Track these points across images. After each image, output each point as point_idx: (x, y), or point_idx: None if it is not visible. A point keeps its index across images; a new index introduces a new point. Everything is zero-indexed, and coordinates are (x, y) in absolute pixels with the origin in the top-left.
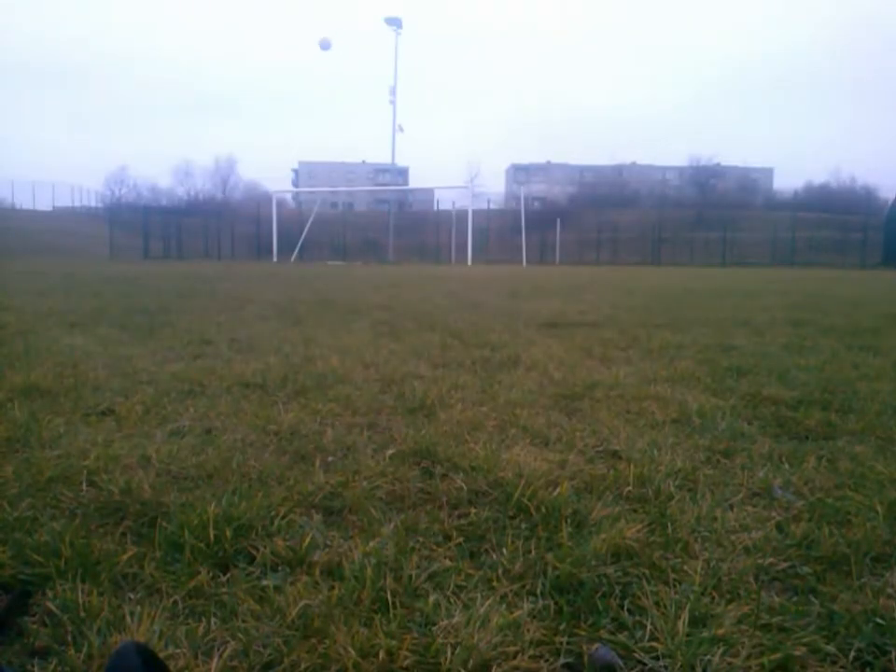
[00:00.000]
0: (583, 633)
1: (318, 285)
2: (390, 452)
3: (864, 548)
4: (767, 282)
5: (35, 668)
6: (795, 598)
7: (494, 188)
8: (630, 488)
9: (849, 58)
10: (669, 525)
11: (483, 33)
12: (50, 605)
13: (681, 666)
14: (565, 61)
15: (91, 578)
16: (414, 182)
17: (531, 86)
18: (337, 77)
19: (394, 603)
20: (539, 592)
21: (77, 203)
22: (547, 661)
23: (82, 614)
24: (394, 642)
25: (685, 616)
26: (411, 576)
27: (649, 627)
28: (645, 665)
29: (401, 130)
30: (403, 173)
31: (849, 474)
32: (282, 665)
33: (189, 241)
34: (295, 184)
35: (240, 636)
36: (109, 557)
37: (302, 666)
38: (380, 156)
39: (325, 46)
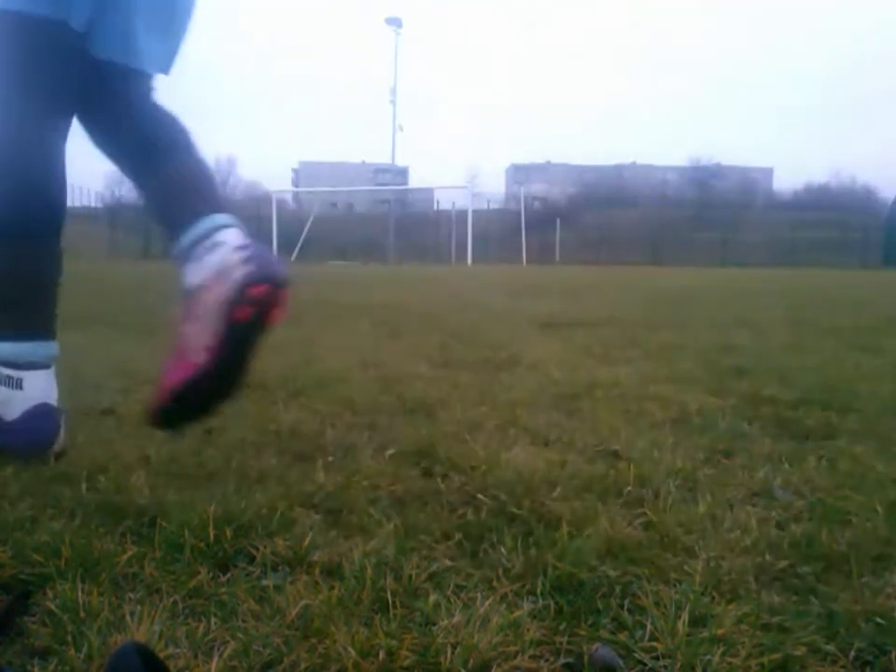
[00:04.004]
0: (583, 633)
1: (318, 284)
2: (390, 452)
3: (864, 548)
4: (767, 282)
5: (35, 668)
6: (795, 598)
7: (494, 188)
8: (630, 488)
9: (850, 57)
10: (669, 524)
11: (483, 33)
12: (50, 605)
13: (681, 666)
14: (565, 60)
15: (91, 578)
16: (414, 182)
17: (531, 86)
18: (337, 77)
19: (394, 603)
20: (538, 592)
21: (76, 203)
22: (547, 661)
23: (82, 614)
24: (394, 642)
25: (685, 616)
26: (411, 576)
27: (649, 627)
28: (645, 665)
29: (401, 130)
30: (403, 173)
31: (849, 474)
32: (282, 664)
33: None
34: (295, 184)
35: (240, 636)
36: (109, 557)
37: (302, 666)
38: (380, 156)
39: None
